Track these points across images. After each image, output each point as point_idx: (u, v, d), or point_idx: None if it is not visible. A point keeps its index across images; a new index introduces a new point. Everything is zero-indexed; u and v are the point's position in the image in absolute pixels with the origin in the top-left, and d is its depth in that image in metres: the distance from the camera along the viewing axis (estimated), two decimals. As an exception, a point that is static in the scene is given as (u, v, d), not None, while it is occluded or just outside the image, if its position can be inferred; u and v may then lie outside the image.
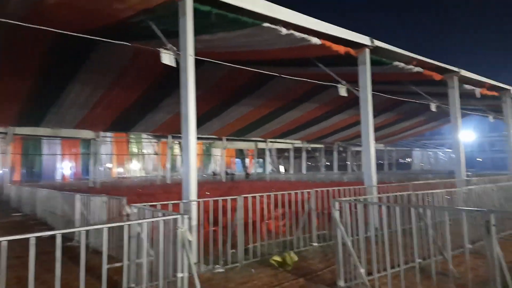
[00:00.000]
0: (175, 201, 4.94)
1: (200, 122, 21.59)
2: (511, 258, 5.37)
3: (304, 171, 29.11)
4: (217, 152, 31.39)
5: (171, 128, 22.80)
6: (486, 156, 60.99)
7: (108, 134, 23.93)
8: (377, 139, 34.48)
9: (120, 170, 30.66)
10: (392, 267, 4.64)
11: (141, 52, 12.95)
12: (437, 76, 10.04)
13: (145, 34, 7.22)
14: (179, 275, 3.34)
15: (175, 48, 5.78)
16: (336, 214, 4.15)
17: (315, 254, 5.94)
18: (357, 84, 9.46)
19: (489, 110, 14.35)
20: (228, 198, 5.49)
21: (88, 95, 15.51)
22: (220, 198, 5.39)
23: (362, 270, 4.02)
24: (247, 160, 38.47)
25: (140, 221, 3.52)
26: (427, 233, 4.81)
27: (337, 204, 4.19)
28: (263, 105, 20.85)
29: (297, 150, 31.10)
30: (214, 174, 28.90)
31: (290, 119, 23.70)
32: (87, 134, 21.20)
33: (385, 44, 8.18)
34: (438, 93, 12.75)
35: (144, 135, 27.40)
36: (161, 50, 5.75)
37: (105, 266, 2.98)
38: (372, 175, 7.69)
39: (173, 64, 5.83)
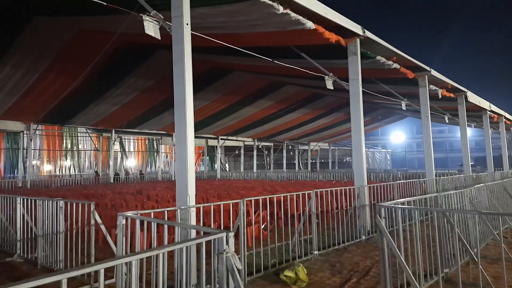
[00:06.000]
0: (171, 208, 3.86)
1: (148, 116, 20.03)
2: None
3: (254, 169, 28.55)
4: (164, 149, 29.44)
5: (116, 122, 20.70)
6: (414, 156, 66.49)
7: (39, 126, 20.91)
8: (324, 138, 35.24)
9: (50, 167, 27.23)
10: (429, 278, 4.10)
11: (87, 30, 11.28)
12: (410, 75, 9.97)
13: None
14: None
15: (161, 15, 4.63)
16: (382, 222, 3.45)
17: (321, 266, 5.21)
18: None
19: (444, 111, 15.02)
20: (231, 202, 4.52)
21: (18, 80, 13.14)
22: (221, 203, 4.40)
23: (421, 290, 3.38)
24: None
25: (184, 244, 2.44)
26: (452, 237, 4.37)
27: (383, 211, 3.49)
28: (217, 100, 19.84)
29: (247, 148, 30.46)
30: (141, 173, 26.62)
31: (244, 116, 22.99)
32: (14, 125, 18.17)
33: (374, 35, 7.77)
34: (402, 92, 12.97)
35: (80, 129, 24.61)
36: (144, 17, 4.56)
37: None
38: (363, 174, 7.21)
39: (158, 35, 4.69)
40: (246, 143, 29.37)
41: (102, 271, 1.77)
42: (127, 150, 28.76)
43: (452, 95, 12.84)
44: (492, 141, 16.94)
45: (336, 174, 24.43)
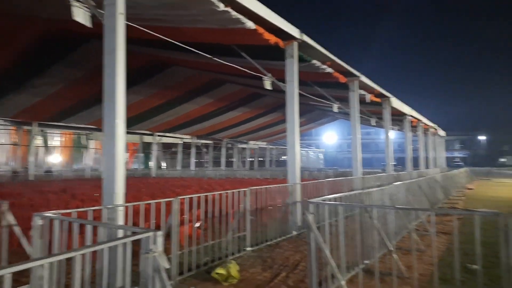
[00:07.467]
0: (97, 207, 3.63)
1: (77, 109, 18.72)
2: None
3: (192, 167, 28.10)
4: (94, 145, 27.55)
5: (39, 114, 18.92)
6: (344, 156, 70.80)
7: None
8: (262, 137, 35.93)
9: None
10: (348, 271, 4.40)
11: (6, 14, 10.14)
12: (342, 79, 10.60)
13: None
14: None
15: (92, 2, 4.34)
16: (311, 218, 3.62)
17: (253, 262, 5.31)
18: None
19: (371, 114, 16.19)
20: (163, 200, 4.38)
21: None
22: (153, 201, 4.26)
23: (343, 282, 3.59)
24: (126, 155, 35.17)
25: (106, 244, 2.27)
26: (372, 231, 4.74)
27: (311, 207, 3.66)
28: (154, 95, 19.16)
29: (185, 146, 29.85)
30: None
31: (183, 112, 22.50)
32: None
33: (311, 40, 8.11)
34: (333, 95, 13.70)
35: (-4, 121, 22.02)
36: (72, 2, 4.23)
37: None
38: (296, 172, 7.50)
39: (88, 23, 4.38)
40: (184, 140, 28.78)
41: (8, 275, 1.61)
42: (51, 145, 26.46)
43: (378, 100, 13.91)
44: (411, 143, 18.67)
45: (273, 172, 25.06)
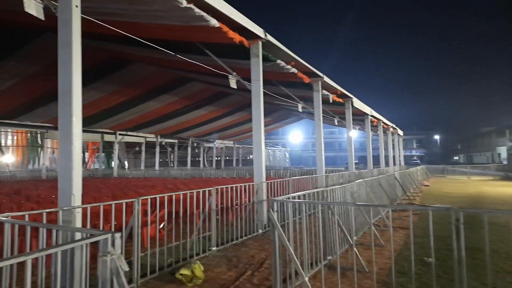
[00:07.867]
0: (52, 209, 3.44)
1: (32, 106, 17.74)
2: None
3: (157, 167, 27.45)
4: (51, 144, 26.14)
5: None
6: (309, 155, 72.29)
7: None
8: (229, 136, 35.78)
9: None
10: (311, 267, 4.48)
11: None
12: (306, 79, 10.78)
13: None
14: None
15: (45, -6, 4.10)
16: (274, 216, 3.64)
17: (219, 261, 5.27)
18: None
19: (334, 114, 16.61)
20: (124, 201, 4.23)
21: None
22: (113, 202, 4.10)
23: (306, 279, 3.64)
24: (86, 154, 33.76)
25: (59, 247, 2.12)
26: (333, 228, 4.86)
27: (275, 205, 3.69)
28: (116, 92, 18.48)
29: (149, 145, 29.09)
30: None
31: (146, 111, 21.89)
32: None
33: (275, 40, 8.17)
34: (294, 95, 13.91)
35: None
36: (23, -9, 3.98)
37: None
38: (262, 171, 7.53)
39: (41, 16, 4.14)
40: (148, 139, 28.04)
41: None
42: (3, 145, 24.83)
43: (341, 100, 14.29)
44: (372, 142, 19.37)
45: (240, 172, 25.03)
